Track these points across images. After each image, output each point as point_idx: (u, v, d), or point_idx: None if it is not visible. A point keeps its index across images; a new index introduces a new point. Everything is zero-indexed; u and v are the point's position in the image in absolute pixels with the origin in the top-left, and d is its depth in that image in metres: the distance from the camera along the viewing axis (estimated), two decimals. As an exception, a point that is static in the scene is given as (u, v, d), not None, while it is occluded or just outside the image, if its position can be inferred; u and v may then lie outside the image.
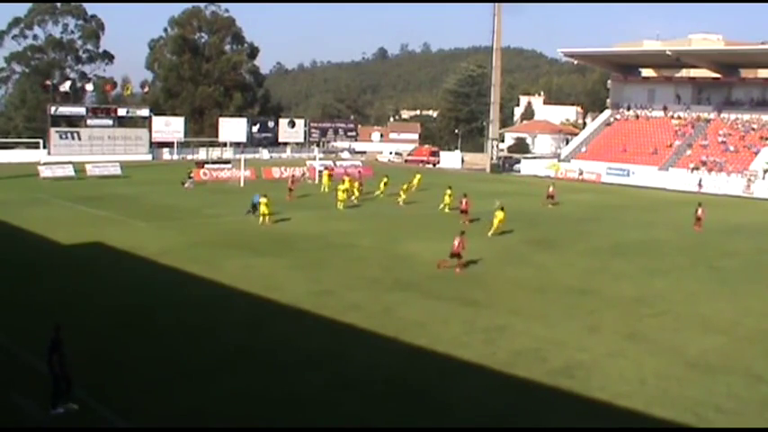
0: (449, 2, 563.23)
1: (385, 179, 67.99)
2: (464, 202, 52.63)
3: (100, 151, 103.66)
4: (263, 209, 49.07)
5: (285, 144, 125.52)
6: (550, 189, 66.20)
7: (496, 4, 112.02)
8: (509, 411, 20.10)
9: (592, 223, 55.32)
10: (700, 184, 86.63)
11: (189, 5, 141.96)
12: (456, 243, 36.28)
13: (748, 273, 39.63)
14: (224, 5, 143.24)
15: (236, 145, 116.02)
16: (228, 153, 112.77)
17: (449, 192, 59.09)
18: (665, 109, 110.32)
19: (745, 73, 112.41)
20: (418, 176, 68.82)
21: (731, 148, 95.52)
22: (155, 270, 35.76)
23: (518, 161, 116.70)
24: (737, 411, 20.46)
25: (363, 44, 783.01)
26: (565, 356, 24.39)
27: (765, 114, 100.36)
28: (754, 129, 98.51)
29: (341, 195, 58.62)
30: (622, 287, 34.75)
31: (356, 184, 65.21)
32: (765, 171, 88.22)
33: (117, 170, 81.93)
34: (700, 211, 54.51)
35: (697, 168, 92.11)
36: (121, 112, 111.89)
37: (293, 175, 71.84)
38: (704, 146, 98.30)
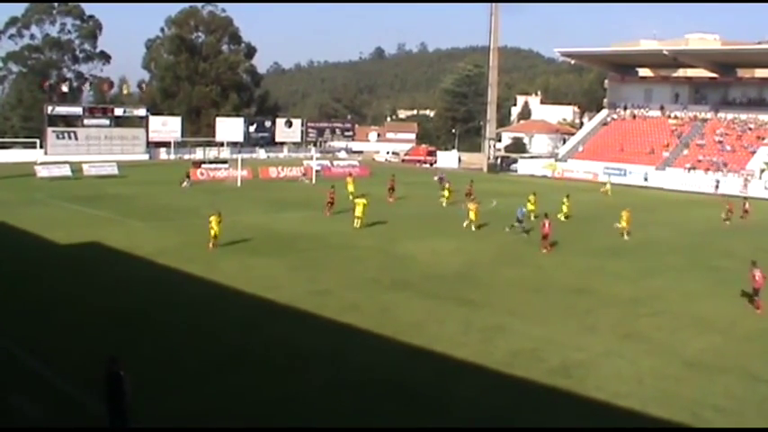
0: (446, 1, 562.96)
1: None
2: (546, 225, 43.45)
3: (97, 151, 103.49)
4: (213, 229, 40.26)
5: (282, 144, 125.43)
6: (746, 205, 63.11)
7: (494, 3, 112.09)
8: (506, 411, 20.12)
9: (588, 223, 55.31)
10: (717, 186, 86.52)
11: (186, 5, 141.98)
12: (757, 277, 34.27)
13: (745, 272, 39.50)
14: (221, 5, 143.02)
15: (233, 145, 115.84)
16: (225, 153, 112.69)
17: (532, 199, 55.12)
18: (661, 109, 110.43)
19: (742, 72, 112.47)
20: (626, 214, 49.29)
21: (728, 148, 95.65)
22: (152, 270, 35.76)
23: (515, 161, 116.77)
24: (735, 411, 20.50)
25: (360, 44, 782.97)
26: (562, 356, 24.43)
27: (762, 114, 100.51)
28: (750, 128, 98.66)
29: (358, 211, 49.33)
30: (619, 287, 34.80)
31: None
32: (762, 171, 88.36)
33: (114, 170, 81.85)
34: (747, 205, 60.99)
35: (694, 168, 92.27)
36: (118, 111, 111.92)
37: (332, 192, 56.31)
38: (701, 145, 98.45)
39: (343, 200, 57.83)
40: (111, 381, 16.67)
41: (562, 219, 54.37)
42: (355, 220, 49.06)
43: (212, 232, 40.15)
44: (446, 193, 63.97)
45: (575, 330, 27.55)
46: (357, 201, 50.30)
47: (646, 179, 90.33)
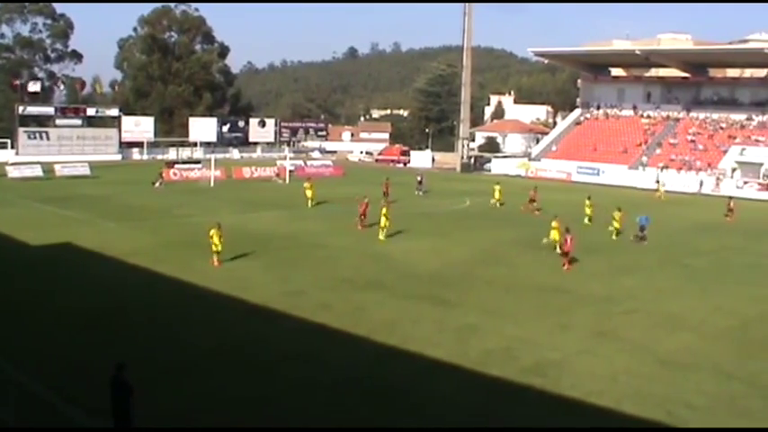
0: (420, 1, 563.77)
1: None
2: (568, 240, 38.64)
3: (69, 151, 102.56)
4: (215, 243, 36.50)
5: (256, 144, 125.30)
6: (731, 204, 63.08)
7: (467, 3, 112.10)
8: (481, 410, 20.13)
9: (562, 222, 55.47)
10: (701, 185, 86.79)
11: (159, 5, 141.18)
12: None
13: (717, 271, 39.94)
14: (194, 5, 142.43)
15: (207, 145, 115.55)
16: (199, 153, 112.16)
17: (617, 214, 48.93)
18: (634, 108, 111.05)
19: (714, 72, 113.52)
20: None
21: (700, 147, 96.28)
22: (125, 270, 35.54)
23: (488, 160, 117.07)
24: (707, 408, 20.62)
25: (334, 43, 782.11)
26: (536, 355, 24.48)
27: (733, 113, 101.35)
28: (722, 128, 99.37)
29: (383, 222, 45.60)
30: (593, 286, 34.91)
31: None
32: (734, 170, 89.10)
33: (86, 170, 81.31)
34: (732, 204, 62.10)
35: (666, 167, 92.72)
36: (90, 111, 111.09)
37: (366, 204, 49.50)
38: (674, 144, 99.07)
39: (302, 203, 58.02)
40: (117, 387, 16.67)
41: (612, 233, 48.77)
42: (380, 232, 45.69)
43: (214, 247, 36.47)
44: (498, 195, 63.54)
45: (549, 329, 27.61)
46: (383, 211, 45.84)
47: (660, 182, 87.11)
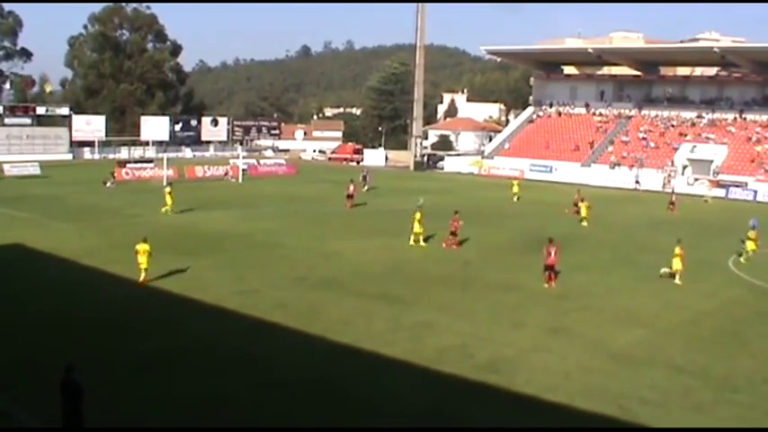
0: (373, 1, 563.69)
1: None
2: (552, 253, 34.62)
3: (18, 151, 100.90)
4: (141, 259, 32.29)
5: (208, 143, 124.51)
6: (673, 198, 67.05)
7: (419, 3, 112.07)
8: (436, 408, 20.14)
9: (515, 219, 55.73)
10: (667, 182, 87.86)
11: (110, 3, 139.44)
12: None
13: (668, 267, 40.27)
14: (145, 3, 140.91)
15: (159, 144, 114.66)
16: (151, 152, 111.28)
17: (752, 233, 43.66)
18: (586, 106, 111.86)
19: (665, 71, 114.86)
20: None
21: (651, 145, 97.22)
22: (76, 271, 35.11)
23: (442, 158, 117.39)
24: (660, 402, 20.82)
25: (287, 42, 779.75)
26: (490, 352, 24.56)
27: (684, 111, 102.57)
28: (673, 125, 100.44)
29: (417, 228, 43.30)
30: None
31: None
32: (684, 167, 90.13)
33: (36, 170, 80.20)
34: (674, 198, 66.63)
35: (618, 165, 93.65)
36: (40, 110, 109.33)
37: (457, 219, 43.67)
38: (625, 142, 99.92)
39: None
40: (67, 389, 16.50)
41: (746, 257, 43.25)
42: (414, 237, 43.81)
43: (141, 266, 32.55)
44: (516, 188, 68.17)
45: (503, 326, 27.73)
46: (415, 216, 43.55)
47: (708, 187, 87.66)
